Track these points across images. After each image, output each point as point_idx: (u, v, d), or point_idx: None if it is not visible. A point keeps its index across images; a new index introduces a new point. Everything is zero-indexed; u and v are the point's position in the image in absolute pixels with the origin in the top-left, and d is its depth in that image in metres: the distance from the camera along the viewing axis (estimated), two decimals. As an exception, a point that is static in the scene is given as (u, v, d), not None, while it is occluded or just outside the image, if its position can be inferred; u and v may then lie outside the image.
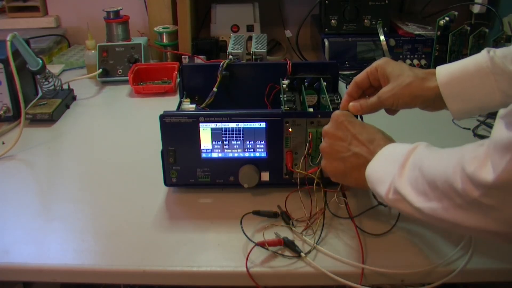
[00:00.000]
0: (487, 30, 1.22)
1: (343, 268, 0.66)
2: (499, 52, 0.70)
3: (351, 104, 0.76)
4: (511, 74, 0.68)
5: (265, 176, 0.81)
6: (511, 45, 0.71)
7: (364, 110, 0.75)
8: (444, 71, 0.71)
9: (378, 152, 0.65)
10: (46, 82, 1.16)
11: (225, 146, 0.79)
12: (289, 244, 0.68)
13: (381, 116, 0.76)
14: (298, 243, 0.69)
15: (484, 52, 0.70)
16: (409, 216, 0.59)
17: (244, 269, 0.65)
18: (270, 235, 0.70)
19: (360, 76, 0.77)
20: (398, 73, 0.73)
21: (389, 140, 0.68)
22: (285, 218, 0.74)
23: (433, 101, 0.72)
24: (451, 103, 0.71)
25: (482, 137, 0.98)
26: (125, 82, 1.30)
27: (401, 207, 0.59)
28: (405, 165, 0.59)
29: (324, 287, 0.71)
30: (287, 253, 0.68)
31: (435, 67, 0.73)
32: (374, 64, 0.76)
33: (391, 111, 0.77)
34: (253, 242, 0.69)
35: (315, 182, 0.73)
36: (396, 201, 0.60)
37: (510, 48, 0.70)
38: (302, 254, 0.67)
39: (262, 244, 0.68)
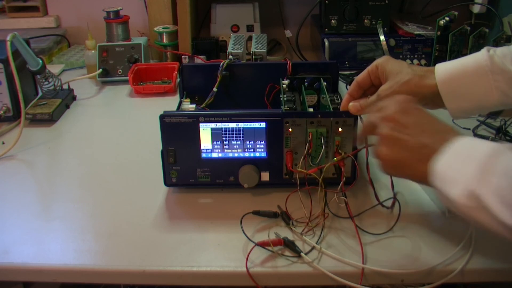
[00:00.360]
0: (487, 30, 1.22)
1: (343, 268, 0.66)
2: (499, 51, 0.70)
3: (351, 104, 0.76)
4: (510, 74, 0.68)
5: (265, 176, 0.81)
6: (511, 45, 0.71)
7: (364, 110, 0.75)
8: (443, 69, 0.71)
9: (449, 146, 0.57)
10: (46, 82, 1.16)
11: (225, 146, 0.79)
12: (289, 244, 0.68)
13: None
14: (298, 243, 0.69)
15: (484, 50, 0.70)
16: (484, 227, 0.53)
17: (244, 269, 0.65)
18: (270, 235, 0.70)
19: (361, 75, 0.77)
20: (397, 70, 0.73)
21: (459, 133, 0.61)
22: (285, 218, 0.74)
23: (431, 98, 0.72)
24: (448, 101, 0.70)
25: (482, 137, 0.98)
26: (125, 82, 1.30)
27: (477, 216, 0.53)
28: (489, 169, 0.52)
29: (324, 287, 0.71)
30: (287, 253, 0.68)
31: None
32: (375, 62, 0.76)
33: None
34: (253, 242, 0.69)
35: (319, 182, 0.72)
36: (471, 208, 0.53)
37: (510, 47, 0.70)
38: (302, 254, 0.67)
39: (262, 244, 0.68)
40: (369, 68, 0.77)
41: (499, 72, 0.68)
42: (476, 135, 0.99)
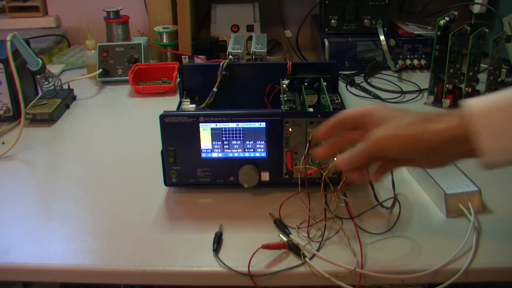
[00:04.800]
0: (487, 30, 1.22)
1: (343, 268, 0.66)
2: None
3: (340, 158, 0.63)
4: None
5: (265, 176, 0.81)
6: None
7: (353, 162, 0.62)
8: (477, 101, 0.56)
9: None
10: (46, 82, 1.16)
11: (225, 146, 0.79)
12: (293, 248, 0.68)
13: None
14: (300, 243, 0.69)
15: None
16: None
17: (245, 269, 0.65)
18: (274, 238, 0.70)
19: (352, 114, 0.64)
20: (394, 115, 0.60)
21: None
22: (280, 225, 0.73)
23: (438, 147, 0.57)
24: (487, 138, 0.53)
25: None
26: (125, 82, 1.30)
27: None
28: None
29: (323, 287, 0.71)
30: (290, 255, 0.68)
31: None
32: (371, 108, 0.63)
33: (379, 172, 0.65)
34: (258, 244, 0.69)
35: (322, 182, 0.72)
36: None
37: None
38: (305, 258, 0.67)
39: (266, 247, 0.67)
40: (364, 111, 0.63)
41: None
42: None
